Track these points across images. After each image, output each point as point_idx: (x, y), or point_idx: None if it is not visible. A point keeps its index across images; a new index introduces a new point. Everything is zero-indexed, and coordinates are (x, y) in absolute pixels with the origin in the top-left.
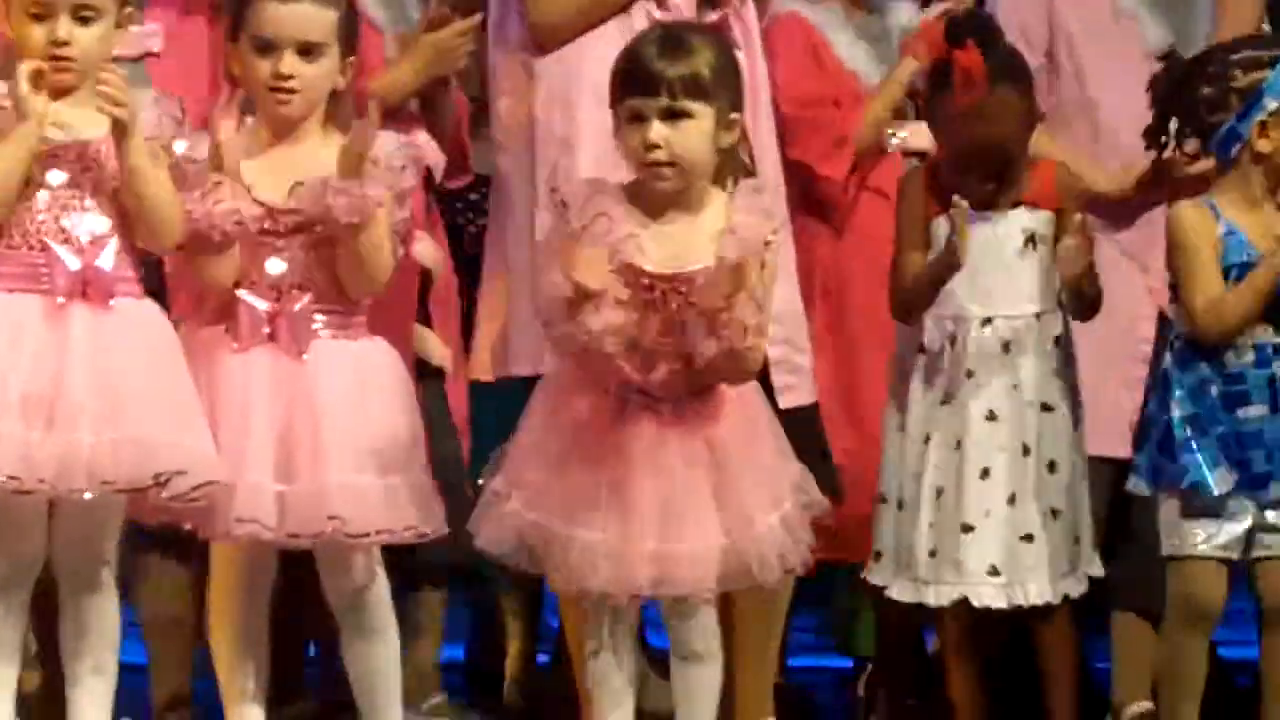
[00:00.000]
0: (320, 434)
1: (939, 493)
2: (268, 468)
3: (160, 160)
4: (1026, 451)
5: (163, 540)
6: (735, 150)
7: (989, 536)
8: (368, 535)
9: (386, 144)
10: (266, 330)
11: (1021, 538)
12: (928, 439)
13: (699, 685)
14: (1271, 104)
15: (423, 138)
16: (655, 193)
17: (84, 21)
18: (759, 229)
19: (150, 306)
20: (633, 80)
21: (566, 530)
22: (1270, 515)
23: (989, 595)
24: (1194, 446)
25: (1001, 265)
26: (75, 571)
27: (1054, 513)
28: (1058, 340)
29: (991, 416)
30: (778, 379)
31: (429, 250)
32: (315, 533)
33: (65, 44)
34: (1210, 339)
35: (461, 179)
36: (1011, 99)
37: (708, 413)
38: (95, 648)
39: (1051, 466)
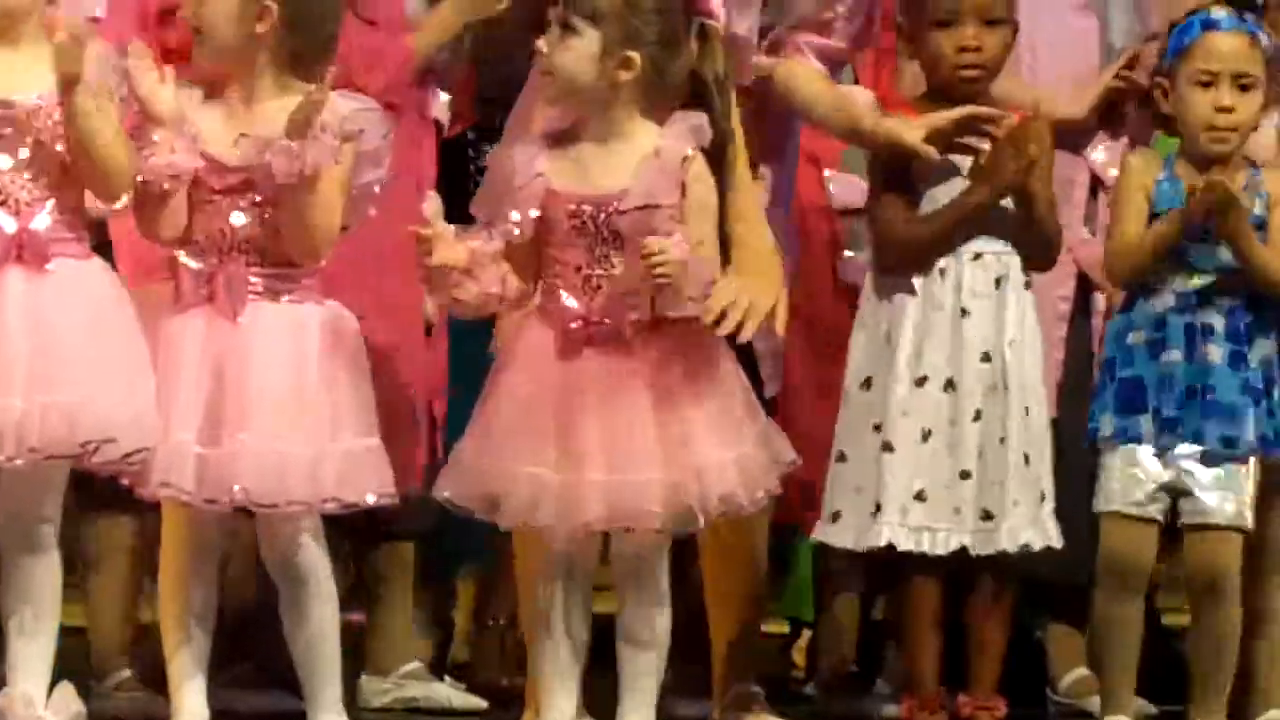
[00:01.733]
0: (245, 398)
1: (926, 435)
2: (192, 430)
3: (107, 110)
4: (1008, 390)
5: (106, 492)
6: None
7: (985, 481)
8: (277, 505)
9: (341, 108)
10: (204, 291)
11: (999, 481)
12: (922, 381)
13: (643, 670)
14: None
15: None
16: (575, 127)
17: None
18: (678, 149)
19: (95, 266)
20: None
21: (515, 467)
22: (1190, 479)
23: (982, 541)
24: (1102, 394)
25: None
26: (15, 531)
27: (1026, 458)
28: (1028, 285)
29: (986, 358)
30: (764, 369)
31: (436, 208)
32: (226, 499)
33: None
34: (1115, 279)
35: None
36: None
37: (659, 352)
38: (36, 606)
39: (1025, 410)
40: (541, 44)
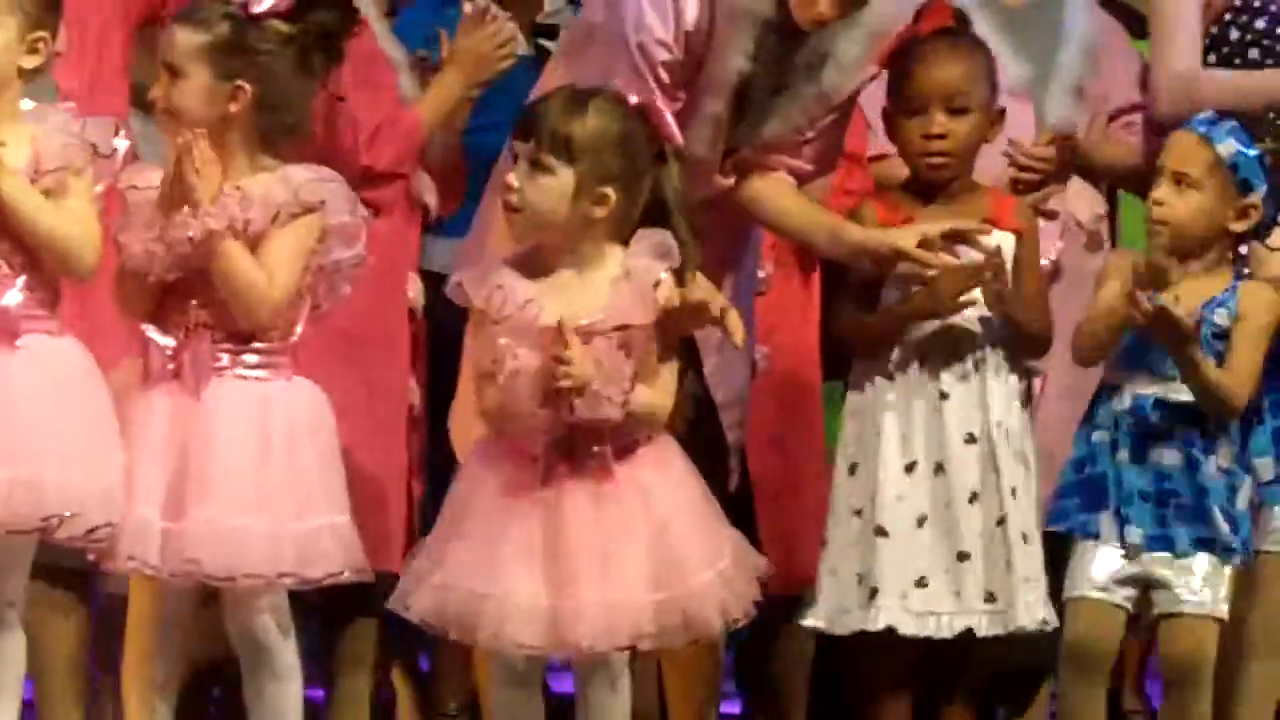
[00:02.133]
0: (206, 474)
1: (921, 521)
2: (155, 505)
3: (66, 187)
4: (999, 472)
5: (58, 576)
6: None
7: (987, 563)
8: (233, 579)
9: (296, 177)
10: (171, 367)
11: (1003, 562)
12: (911, 467)
13: None
14: None
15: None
16: (543, 254)
17: None
18: (649, 271)
19: (66, 343)
20: (521, 121)
21: (500, 589)
22: (1164, 569)
23: (992, 622)
24: (1066, 488)
25: None
26: None
27: (1025, 537)
28: (1011, 365)
29: (971, 439)
30: (735, 462)
31: (419, 290)
32: (181, 573)
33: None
34: (1078, 359)
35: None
36: None
37: (634, 471)
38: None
39: (1013, 492)
40: (511, 179)
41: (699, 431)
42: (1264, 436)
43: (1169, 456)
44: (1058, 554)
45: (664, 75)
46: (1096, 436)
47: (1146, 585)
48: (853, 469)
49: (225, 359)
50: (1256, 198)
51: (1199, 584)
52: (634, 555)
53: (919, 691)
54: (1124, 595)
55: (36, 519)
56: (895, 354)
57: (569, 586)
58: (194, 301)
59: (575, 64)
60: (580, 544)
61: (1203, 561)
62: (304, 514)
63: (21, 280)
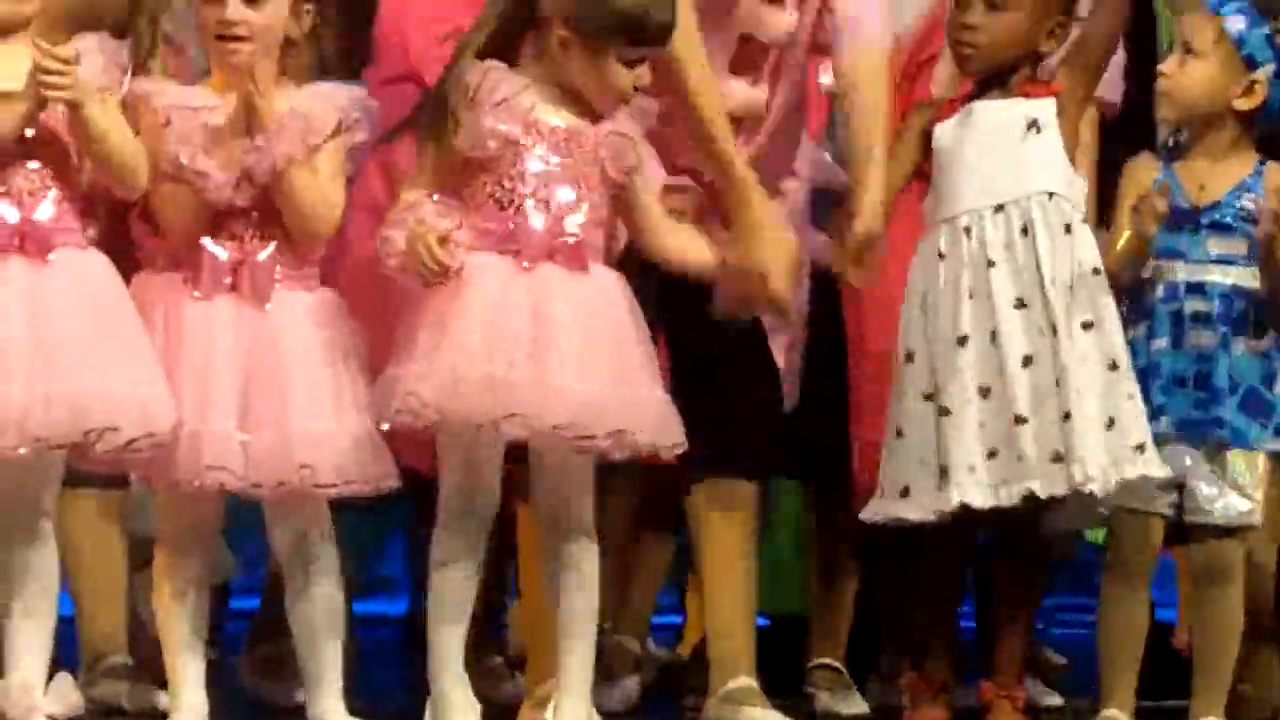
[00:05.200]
0: (285, 383)
1: (985, 392)
2: (230, 415)
3: (109, 106)
4: (1055, 330)
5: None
6: None
7: (1045, 423)
8: (335, 485)
9: (338, 97)
10: (228, 280)
11: (1058, 421)
12: (963, 340)
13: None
14: None
15: None
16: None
17: None
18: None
19: (95, 257)
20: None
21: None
22: (1193, 472)
23: (1056, 482)
24: None
25: (1005, 154)
26: (13, 522)
27: (1092, 395)
28: (1067, 228)
29: (1020, 304)
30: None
31: None
32: (283, 482)
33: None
34: (1116, 284)
35: None
36: None
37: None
38: (33, 596)
39: (1070, 339)
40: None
41: (745, 355)
42: None
43: (1206, 338)
44: None
45: None
46: (1132, 333)
47: (1182, 488)
48: (909, 356)
49: (282, 270)
50: (1262, 74)
51: (1225, 489)
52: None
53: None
54: (1163, 502)
55: (77, 433)
56: (943, 232)
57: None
58: (248, 214)
59: None
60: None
61: (1235, 462)
62: (363, 419)
63: (53, 193)
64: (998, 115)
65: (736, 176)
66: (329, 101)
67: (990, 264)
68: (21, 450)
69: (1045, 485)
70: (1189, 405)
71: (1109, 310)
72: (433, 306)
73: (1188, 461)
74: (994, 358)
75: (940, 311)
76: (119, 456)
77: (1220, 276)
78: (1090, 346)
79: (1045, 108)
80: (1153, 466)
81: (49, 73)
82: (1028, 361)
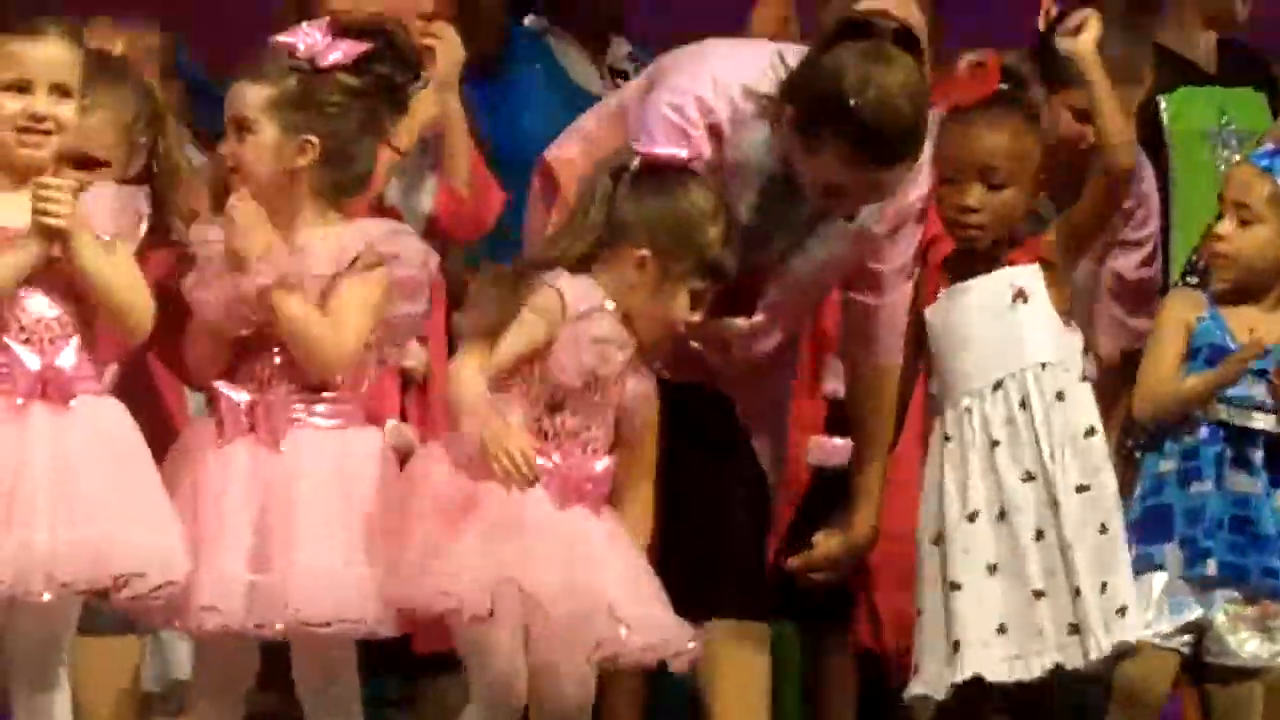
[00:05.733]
0: (294, 524)
1: (992, 569)
2: (240, 557)
3: (120, 250)
4: (1057, 504)
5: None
6: None
7: (1058, 596)
8: (329, 624)
9: (372, 231)
10: (246, 422)
11: (1074, 590)
12: (973, 517)
13: None
14: None
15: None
16: None
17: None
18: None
19: (112, 404)
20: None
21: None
22: (1221, 615)
23: (1074, 655)
24: (1141, 529)
25: (997, 329)
26: (30, 668)
27: (1096, 564)
28: (1060, 395)
29: (1028, 476)
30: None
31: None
32: (279, 622)
33: (43, 119)
34: (1143, 419)
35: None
36: None
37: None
38: None
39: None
40: None
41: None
42: None
43: (1247, 483)
44: None
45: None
46: (1163, 467)
47: (1202, 631)
48: (937, 537)
49: (300, 409)
50: None
51: (1252, 635)
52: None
53: None
54: (1181, 641)
55: (104, 579)
56: (948, 416)
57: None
58: (268, 354)
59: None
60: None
61: (1260, 609)
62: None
63: (75, 340)
64: (985, 289)
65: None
66: (359, 234)
67: (994, 443)
68: (46, 597)
69: (1067, 658)
70: (1229, 548)
71: (1104, 473)
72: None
73: (1223, 603)
74: (1005, 533)
75: (949, 491)
76: (140, 603)
77: (1264, 423)
78: (1086, 510)
79: (1031, 275)
80: (1131, 632)
81: (43, 199)
82: (1039, 535)
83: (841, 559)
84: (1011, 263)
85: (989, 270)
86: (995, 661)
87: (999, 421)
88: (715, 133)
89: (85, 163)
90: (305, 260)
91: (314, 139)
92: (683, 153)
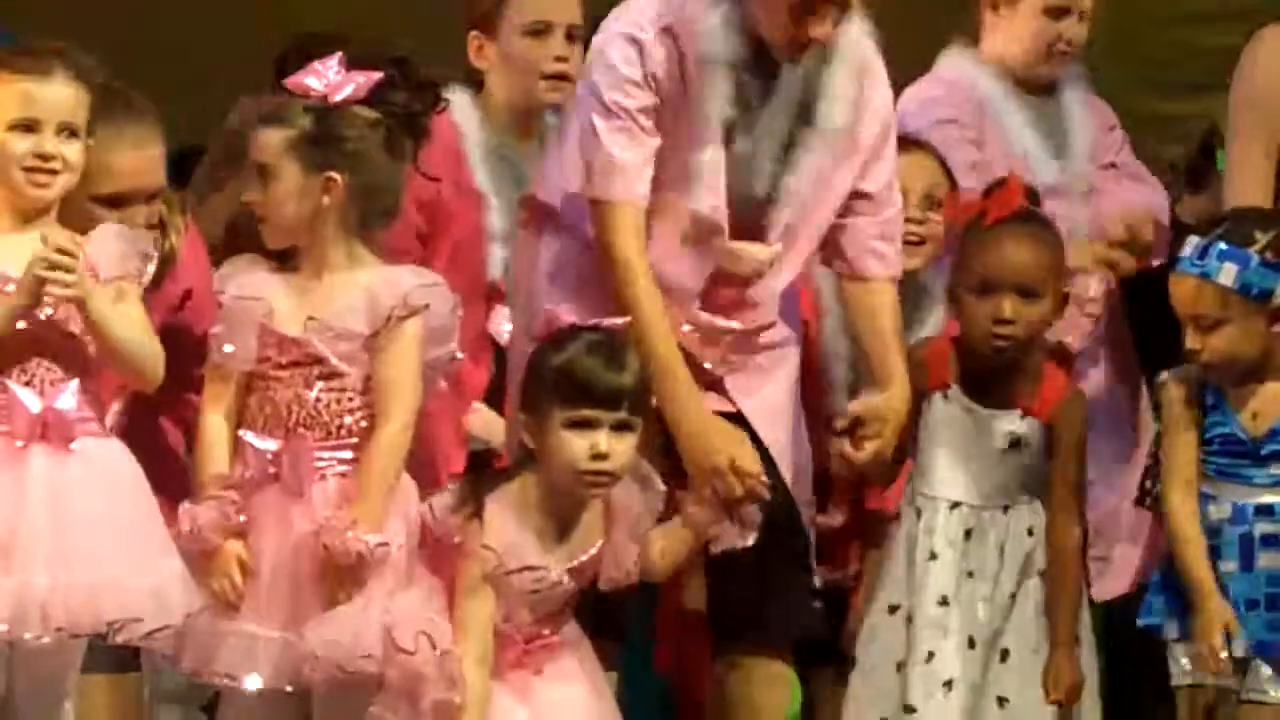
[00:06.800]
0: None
1: (899, 667)
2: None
3: (128, 297)
4: (972, 644)
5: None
6: None
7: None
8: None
9: (404, 282)
10: (272, 470)
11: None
12: (893, 610)
13: None
14: None
15: None
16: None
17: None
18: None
19: (114, 446)
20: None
21: None
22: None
23: None
24: (1162, 592)
25: (981, 458)
26: (34, 707)
27: (1001, 701)
28: (1030, 531)
29: (944, 602)
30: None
31: (483, 422)
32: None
33: (51, 157)
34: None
35: None
36: None
37: None
38: None
39: (1004, 655)
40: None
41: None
42: None
43: (1275, 561)
44: (1151, 646)
45: (642, 120)
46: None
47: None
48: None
49: (326, 458)
50: None
51: None
52: None
53: None
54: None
55: (99, 623)
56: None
57: None
58: (296, 402)
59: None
60: None
61: None
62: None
63: (74, 384)
64: (987, 422)
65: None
66: (390, 286)
67: (932, 555)
68: (44, 640)
69: None
70: (1264, 627)
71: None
72: None
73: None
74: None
75: (884, 579)
76: (140, 646)
77: None
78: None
79: (1035, 431)
80: None
81: (50, 268)
82: (930, 658)
83: (887, 417)
84: (1025, 411)
85: (1007, 382)
86: None
87: (943, 539)
88: (671, 35)
89: (117, 200)
90: (339, 313)
91: (336, 175)
92: None
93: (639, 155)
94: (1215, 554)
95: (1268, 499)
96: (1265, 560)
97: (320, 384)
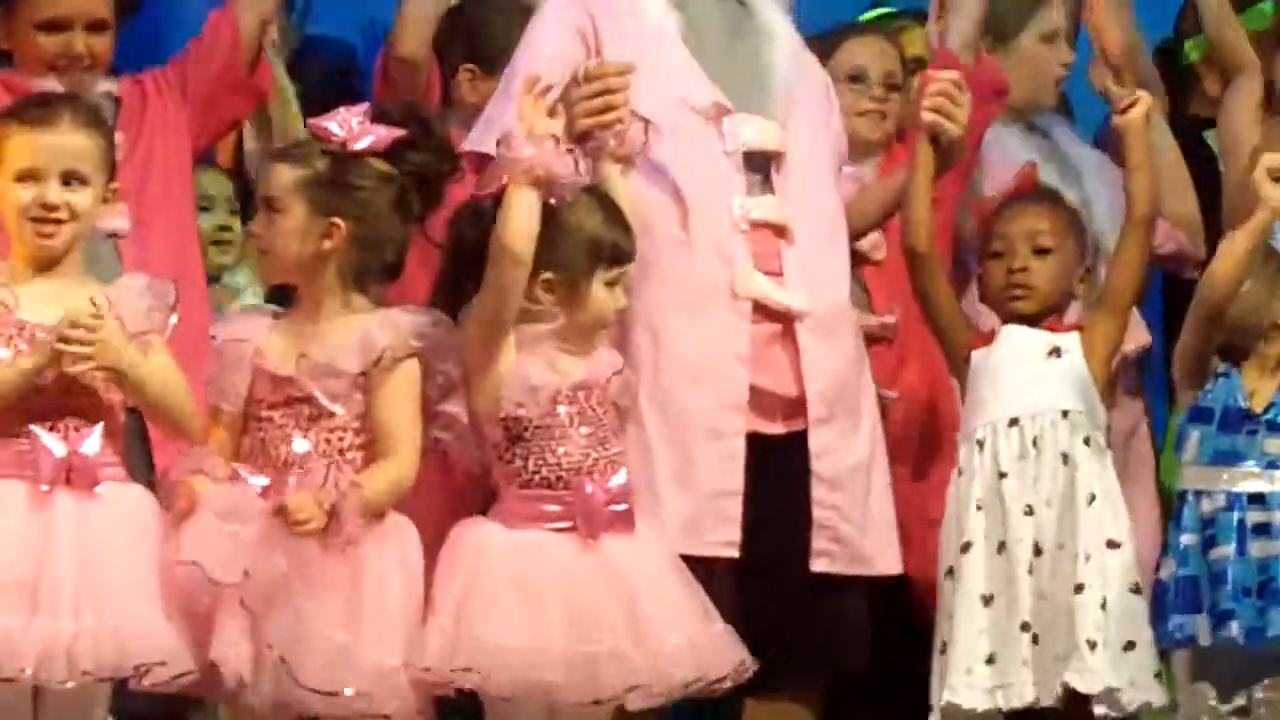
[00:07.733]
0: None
1: (988, 600)
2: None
3: (156, 350)
4: (1061, 547)
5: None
6: None
7: (1044, 633)
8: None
9: (403, 324)
10: None
11: (1058, 628)
12: (966, 548)
13: None
14: None
15: None
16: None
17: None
18: None
19: (137, 491)
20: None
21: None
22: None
23: (1048, 690)
24: (1165, 596)
25: (1025, 372)
26: None
27: (1103, 602)
28: (1087, 440)
29: (1029, 511)
30: (817, 543)
31: None
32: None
33: (55, 207)
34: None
35: None
36: None
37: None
38: None
39: (1088, 558)
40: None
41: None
42: None
43: (1270, 547)
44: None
45: None
46: (1185, 540)
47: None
48: (949, 572)
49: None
50: None
51: None
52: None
53: None
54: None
55: (125, 667)
56: (962, 449)
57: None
58: (290, 445)
59: None
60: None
61: None
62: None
63: (99, 428)
64: (1023, 338)
65: None
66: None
67: (1002, 475)
68: (70, 685)
69: (1044, 694)
70: (1257, 613)
71: (1131, 530)
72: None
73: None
74: (1001, 565)
75: (950, 522)
76: (167, 689)
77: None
78: (1116, 565)
79: (1070, 339)
80: (1162, 697)
81: (68, 340)
82: (1031, 570)
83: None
84: (1052, 329)
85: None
86: (978, 691)
87: (1010, 456)
88: None
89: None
90: (330, 352)
91: (341, 221)
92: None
93: None
94: (1211, 542)
95: (1258, 486)
96: (1258, 548)
97: (311, 426)
